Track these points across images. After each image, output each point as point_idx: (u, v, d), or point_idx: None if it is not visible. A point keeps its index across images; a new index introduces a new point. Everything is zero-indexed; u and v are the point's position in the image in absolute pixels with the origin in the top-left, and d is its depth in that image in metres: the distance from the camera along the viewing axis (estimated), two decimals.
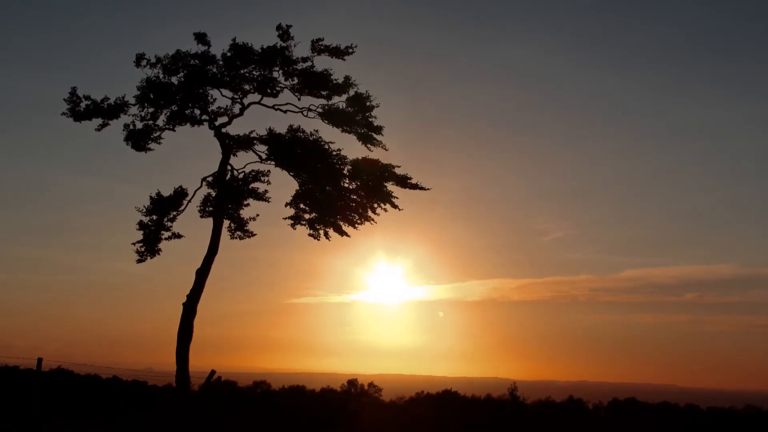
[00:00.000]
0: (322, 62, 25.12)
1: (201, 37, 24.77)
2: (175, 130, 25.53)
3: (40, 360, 20.07)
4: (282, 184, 26.10)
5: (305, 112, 25.58)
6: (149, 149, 25.56)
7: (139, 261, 24.76)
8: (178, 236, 25.23)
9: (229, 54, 24.71)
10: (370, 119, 25.30)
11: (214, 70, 25.00)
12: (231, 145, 25.59)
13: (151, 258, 24.95)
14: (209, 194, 25.72)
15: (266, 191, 26.03)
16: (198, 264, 24.41)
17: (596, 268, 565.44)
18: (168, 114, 25.18)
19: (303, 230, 26.33)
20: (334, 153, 25.30)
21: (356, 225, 26.00)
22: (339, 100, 25.30)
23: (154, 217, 24.92)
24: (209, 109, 25.41)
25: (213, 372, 23.02)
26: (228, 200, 25.43)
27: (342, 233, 26.08)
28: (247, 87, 25.35)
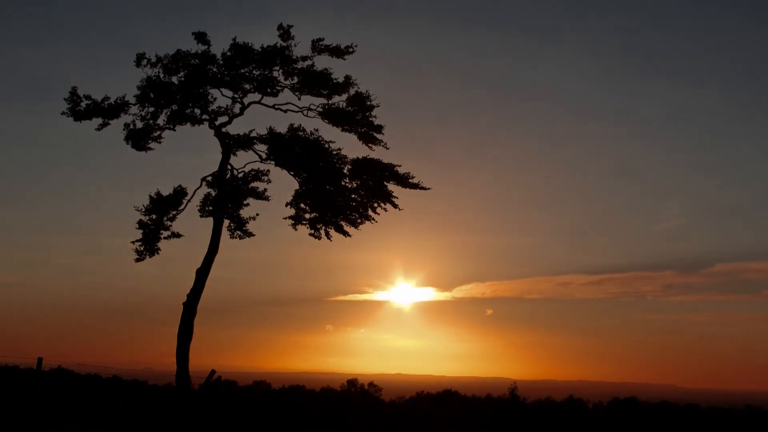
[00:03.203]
0: (322, 62, 25.17)
1: (201, 37, 24.77)
2: (175, 130, 25.55)
3: (40, 360, 20.05)
4: (282, 184, 26.12)
5: (305, 112, 25.59)
6: (149, 149, 25.59)
7: (138, 260, 24.79)
8: (178, 235, 25.23)
9: (229, 53, 24.71)
10: (371, 118, 25.30)
11: (215, 69, 24.99)
12: (231, 144, 25.57)
13: (150, 257, 24.97)
14: (209, 194, 25.72)
15: (266, 190, 26.05)
16: (198, 263, 24.41)
17: (685, 263, 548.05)
18: (168, 113, 25.17)
19: (305, 230, 26.32)
20: (335, 152, 25.30)
21: (357, 225, 25.99)
22: (339, 100, 25.32)
23: (154, 216, 24.93)
24: (209, 109, 25.40)
25: (213, 372, 22.99)
26: (228, 200, 25.41)
27: (343, 233, 26.07)
28: (247, 86, 25.33)
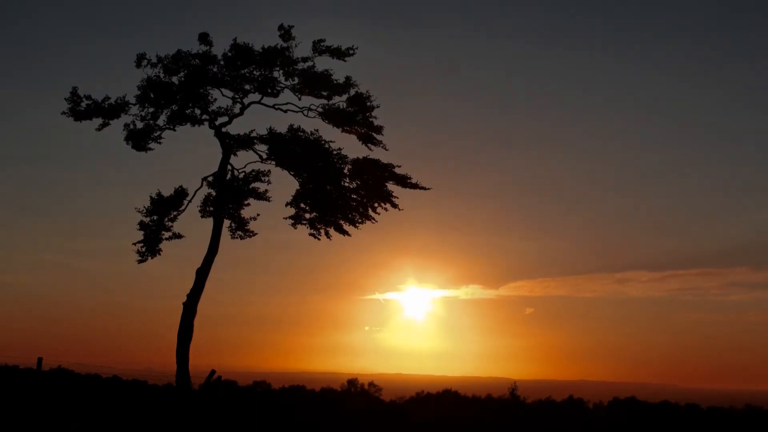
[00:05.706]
0: (323, 63, 25.19)
1: (203, 37, 24.82)
2: (175, 130, 25.57)
3: (40, 360, 20.13)
4: (282, 184, 26.15)
5: (305, 112, 25.63)
6: (149, 149, 25.60)
7: (140, 261, 24.82)
8: (179, 236, 25.24)
9: (229, 54, 24.74)
10: (371, 119, 25.33)
11: (215, 69, 25.03)
12: (231, 144, 25.59)
13: (152, 258, 25.00)
14: (209, 194, 25.75)
15: (266, 191, 26.05)
16: (198, 263, 24.44)
17: (765, 257, 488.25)
18: (168, 114, 25.20)
19: (305, 229, 26.34)
20: (335, 152, 25.33)
21: (357, 224, 26.03)
22: (339, 100, 25.35)
23: (155, 217, 24.94)
24: (210, 109, 25.42)
25: (213, 372, 23.02)
26: (228, 200, 25.44)
27: (343, 232, 26.10)
28: (247, 87, 25.35)
